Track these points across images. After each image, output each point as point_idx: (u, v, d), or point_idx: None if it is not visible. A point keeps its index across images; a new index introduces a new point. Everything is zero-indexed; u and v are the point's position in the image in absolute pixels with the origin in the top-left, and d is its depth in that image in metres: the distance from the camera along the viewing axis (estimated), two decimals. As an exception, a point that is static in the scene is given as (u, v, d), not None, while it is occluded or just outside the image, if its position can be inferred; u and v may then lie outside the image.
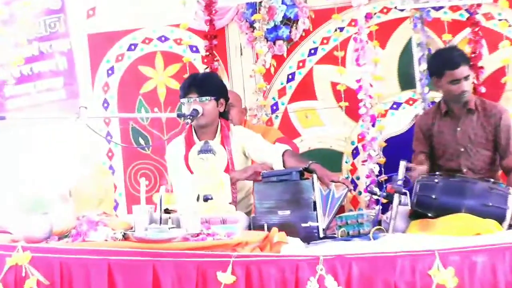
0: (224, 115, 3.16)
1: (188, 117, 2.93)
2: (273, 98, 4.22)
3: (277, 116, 4.21)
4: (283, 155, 2.89)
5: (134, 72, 4.34)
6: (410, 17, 3.94)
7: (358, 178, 4.05)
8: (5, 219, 2.44)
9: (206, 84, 3.05)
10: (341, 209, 2.81)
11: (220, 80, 3.32)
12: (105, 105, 4.37)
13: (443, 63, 3.13)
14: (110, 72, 4.36)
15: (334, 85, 4.09)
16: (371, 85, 3.88)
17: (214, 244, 2.18)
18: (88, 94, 4.33)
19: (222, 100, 3.10)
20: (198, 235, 2.25)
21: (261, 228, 2.52)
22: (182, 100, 3.06)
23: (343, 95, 4.04)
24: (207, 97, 3.01)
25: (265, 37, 4.14)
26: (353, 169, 4.09)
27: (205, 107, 3.00)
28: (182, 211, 2.43)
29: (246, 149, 3.08)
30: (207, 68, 4.17)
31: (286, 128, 4.11)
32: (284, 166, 2.85)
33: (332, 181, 2.66)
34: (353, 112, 4.00)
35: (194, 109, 2.96)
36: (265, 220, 2.55)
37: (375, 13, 3.99)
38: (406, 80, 4.00)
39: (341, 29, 4.09)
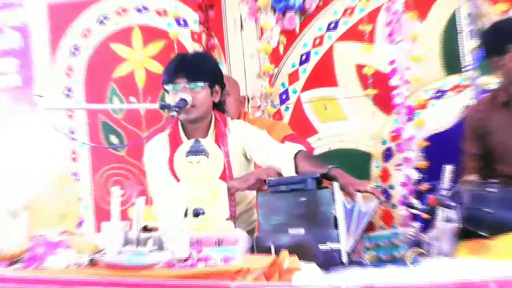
0: (219, 107, 3.15)
1: (174, 108, 2.92)
2: (282, 85, 4.22)
3: (287, 108, 4.21)
4: (295, 157, 2.89)
5: (105, 52, 4.36)
6: (457, -18, 3.94)
7: (391, 187, 4.04)
8: None
9: (198, 67, 3.04)
10: (370, 227, 2.80)
11: (215, 62, 3.31)
12: (68, 93, 4.37)
13: (506, 35, 3.12)
14: (74, 51, 4.36)
15: (359, 68, 4.09)
16: (407, 68, 3.87)
17: (208, 272, 2.16)
18: (47, 79, 4.33)
19: (217, 88, 3.10)
20: (186, 260, 2.25)
21: (267, 250, 2.50)
22: (167, 87, 3.05)
23: (371, 81, 4.03)
24: (199, 83, 3.00)
25: (272, 7, 4.13)
26: (385, 176, 4.09)
27: (196, 96, 2.99)
28: (165, 229, 2.41)
29: (248, 149, 3.07)
30: (201, 46, 4.17)
31: (299, 123, 4.12)
32: (296, 172, 2.85)
33: (359, 190, 2.65)
34: (384, 103, 4.00)
35: (181, 99, 2.95)
36: (272, 241, 2.54)
37: (412, -23, 3.99)
38: (451, 62, 4.02)
39: (369, -4, 4.09)
